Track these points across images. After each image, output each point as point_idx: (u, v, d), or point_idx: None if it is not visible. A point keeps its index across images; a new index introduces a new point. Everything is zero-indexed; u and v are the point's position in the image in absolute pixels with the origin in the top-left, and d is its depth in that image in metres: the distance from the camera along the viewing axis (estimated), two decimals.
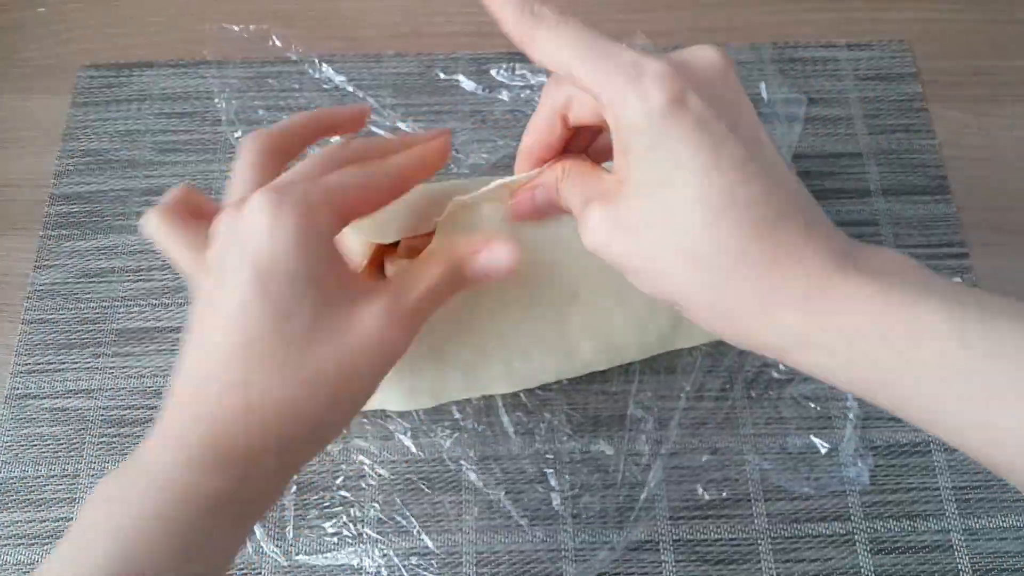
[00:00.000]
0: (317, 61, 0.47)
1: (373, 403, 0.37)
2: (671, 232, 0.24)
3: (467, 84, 0.46)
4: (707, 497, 0.37)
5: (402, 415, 0.39)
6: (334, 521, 0.37)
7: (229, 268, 0.24)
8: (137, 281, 0.42)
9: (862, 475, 0.37)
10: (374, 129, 0.45)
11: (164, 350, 0.40)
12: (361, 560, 0.36)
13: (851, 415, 0.38)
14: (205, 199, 0.30)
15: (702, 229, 0.23)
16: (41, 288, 0.42)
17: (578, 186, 0.27)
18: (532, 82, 0.46)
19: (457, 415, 0.39)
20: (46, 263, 0.42)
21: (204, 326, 0.25)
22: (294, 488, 0.37)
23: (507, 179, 0.30)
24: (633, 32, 0.47)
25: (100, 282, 0.42)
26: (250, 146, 0.29)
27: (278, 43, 0.47)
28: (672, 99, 0.23)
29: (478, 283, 0.28)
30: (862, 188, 0.44)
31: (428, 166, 0.29)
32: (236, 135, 0.44)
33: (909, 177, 0.44)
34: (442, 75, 0.47)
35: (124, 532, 0.22)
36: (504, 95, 0.46)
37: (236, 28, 0.47)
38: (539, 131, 0.28)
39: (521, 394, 0.39)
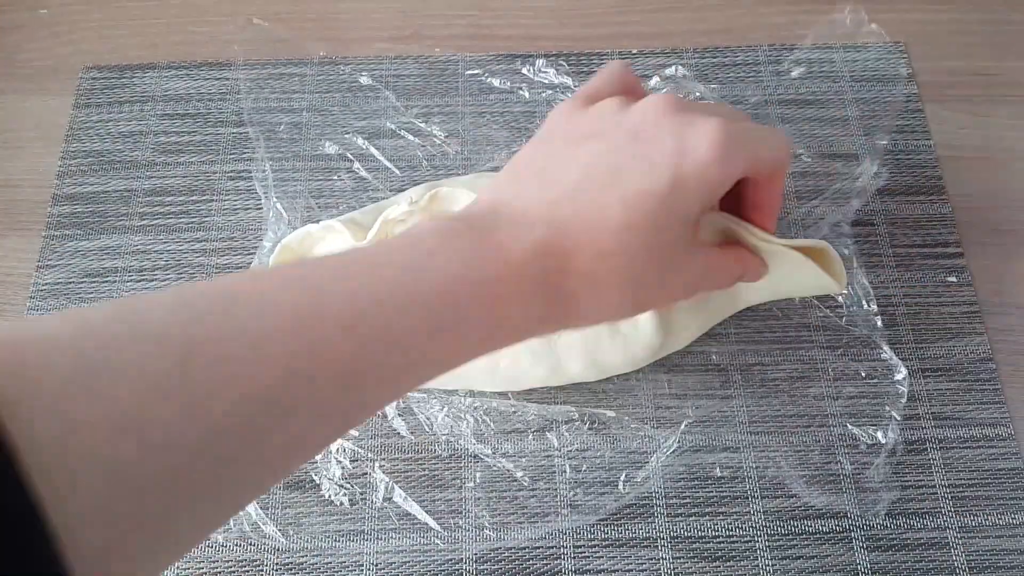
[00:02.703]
0: (333, 63, 0.47)
1: None
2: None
3: (495, 82, 0.47)
4: (704, 494, 0.37)
5: None
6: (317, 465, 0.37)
7: (657, 153, 0.25)
8: (140, 281, 0.42)
9: (880, 505, 0.37)
10: (384, 132, 0.45)
11: None
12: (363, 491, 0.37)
13: (889, 444, 0.38)
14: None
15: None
16: (44, 288, 0.42)
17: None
18: (556, 82, 0.47)
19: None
20: (49, 263, 0.43)
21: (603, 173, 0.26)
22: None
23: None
24: (624, 35, 0.47)
25: (103, 282, 0.42)
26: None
27: (297, 41, 0.48)
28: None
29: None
30: (859, 189, 0.44)
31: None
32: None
33: (905, 178, 0.44)
34: (455, 82, 0.47)
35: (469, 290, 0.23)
36: (525, 92, 0.46)
37: (265, 24, 0.48)
38: None
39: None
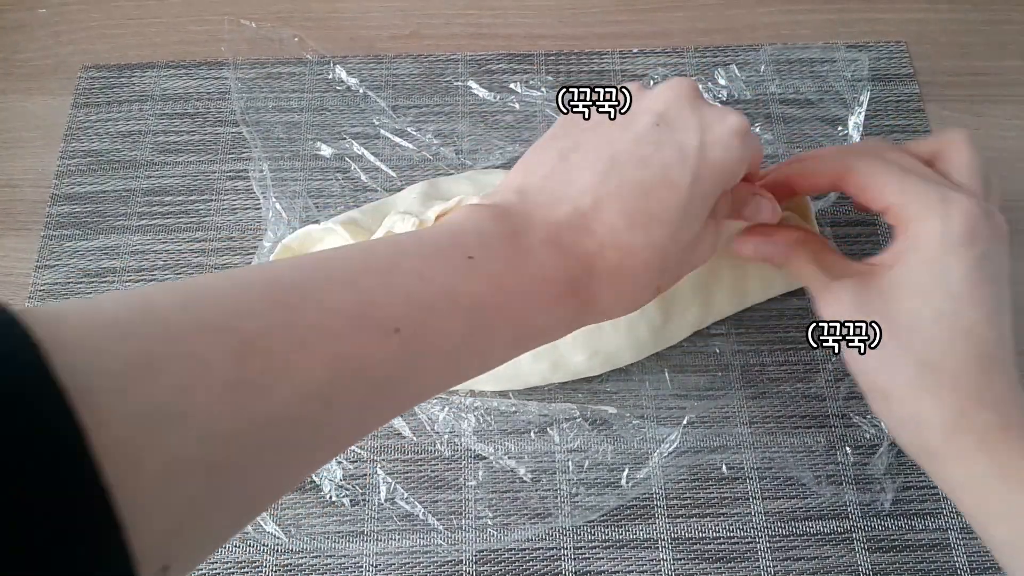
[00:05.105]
0: (331, 63, 0.47)
1: None
2: (914, 335, 0.27)
3: (479, 91, 0.47)
4: (705, 495, 0.37)
5: None
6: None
7: (682, 142, 0.26)
8: (139, 281, 0.42)
9: (884, 497, 0.37)
10: (383, 133, 0.45)
11: None
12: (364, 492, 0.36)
13: (889, 437, 0.38)
14: None
15: (944, 347, 0.27)
16: (43, 288, 0.42)
17: (816, 258, 0.31)
18: (542, 91, 0.46)
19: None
20: (48, 263, 0.43)
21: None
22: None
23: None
24: (624, 34, 0.47)
25: (101, 282, 0.42)
26: None
27: (295, 41, 0.47)
28: (968, 232, 0.27)
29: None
30: None
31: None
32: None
33: None
34: (455, 81, 0.47)
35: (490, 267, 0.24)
36: (515, 102, 0.46)
37: (253, 25, 0.47)
38: (814, 177, 0.32)
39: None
